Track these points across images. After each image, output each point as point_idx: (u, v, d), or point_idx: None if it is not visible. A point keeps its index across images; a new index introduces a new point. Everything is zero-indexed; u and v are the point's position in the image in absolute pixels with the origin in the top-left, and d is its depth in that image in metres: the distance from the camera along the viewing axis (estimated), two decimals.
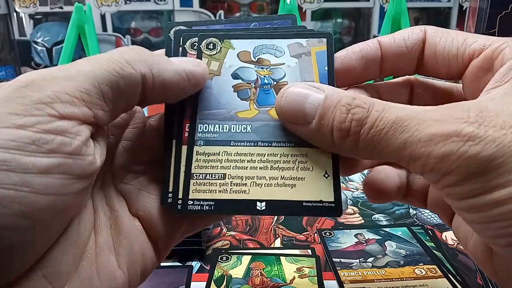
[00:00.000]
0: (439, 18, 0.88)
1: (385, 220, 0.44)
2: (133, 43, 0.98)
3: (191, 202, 0.23)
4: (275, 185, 0.23)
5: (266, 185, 0.23)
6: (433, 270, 0.35)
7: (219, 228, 0.43)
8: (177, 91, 0.22)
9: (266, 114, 0.24)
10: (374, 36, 0.89)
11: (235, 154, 0.23)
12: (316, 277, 0.35)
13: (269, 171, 0.23)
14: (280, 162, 0.23)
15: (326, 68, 0.24)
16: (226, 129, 0.24)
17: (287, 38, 0.25)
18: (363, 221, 0.44)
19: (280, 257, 0.37)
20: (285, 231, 0.42)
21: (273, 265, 0.36)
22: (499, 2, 0.49)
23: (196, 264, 0.37)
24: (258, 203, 0.22)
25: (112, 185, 0.23)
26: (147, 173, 0.24)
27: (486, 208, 0.18)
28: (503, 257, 0.20)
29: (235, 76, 0.25)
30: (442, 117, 0.18)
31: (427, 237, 0.41)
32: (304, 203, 0.22)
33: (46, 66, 0.86)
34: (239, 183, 0.23)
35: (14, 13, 0.95)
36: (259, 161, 0.23)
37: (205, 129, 0.24)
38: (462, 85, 0.24)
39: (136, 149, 0.24)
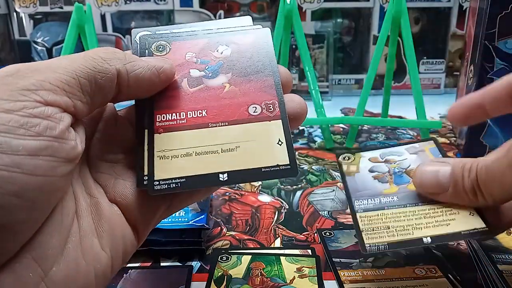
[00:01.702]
0: (439, 18, 0.87)
1: None
2: None
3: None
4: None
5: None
6: (433, 270, 0.35)
7: (219, 228, 0.43)
8: (149, 86, 0.25)
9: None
10: (374, 36, 0.90)
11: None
12: (316, 277, 0.35)
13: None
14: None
15: None
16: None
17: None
18: None
19: (280, 257, 0.37)
20: (285, 231, 0.42)
21: (273, 265, 0.36)
22: (499, 2, 0.49)
23: (196, 264, 0.37)
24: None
25: (90, 175, 0.24)
26: (121, 162, 0.25)
27: None
28: None
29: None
30: None
31: None
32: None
33: None
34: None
35: (14, 13, 0.95)
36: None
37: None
38: None
39: (110, 140, 0.26)
